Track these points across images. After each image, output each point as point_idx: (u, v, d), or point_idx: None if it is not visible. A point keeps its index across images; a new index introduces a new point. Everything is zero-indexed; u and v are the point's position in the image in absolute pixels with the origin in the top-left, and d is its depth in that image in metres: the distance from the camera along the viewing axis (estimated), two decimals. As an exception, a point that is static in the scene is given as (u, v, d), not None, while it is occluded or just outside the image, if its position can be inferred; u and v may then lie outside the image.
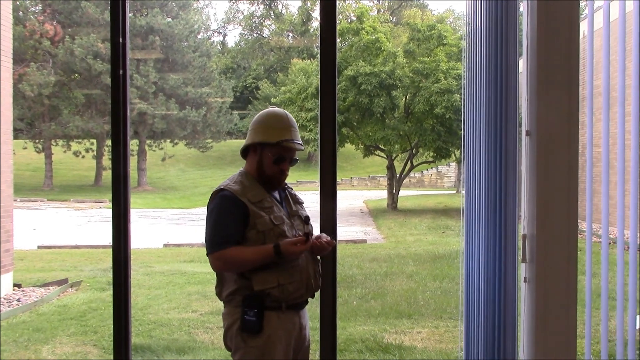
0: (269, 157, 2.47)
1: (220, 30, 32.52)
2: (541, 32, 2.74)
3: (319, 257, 2.59)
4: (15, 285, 7.40)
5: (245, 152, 2.56)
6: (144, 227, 13.46)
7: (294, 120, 2.57)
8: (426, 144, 15.54)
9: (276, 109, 2.59)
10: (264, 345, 2.37)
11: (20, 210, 14.86)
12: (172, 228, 13.77)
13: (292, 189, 2.66)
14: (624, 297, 3.00)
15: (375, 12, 27.83)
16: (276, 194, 2.54)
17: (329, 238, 2.52)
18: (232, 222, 2.37)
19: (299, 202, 2.63)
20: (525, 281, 2.82)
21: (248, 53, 30.89)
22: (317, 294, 2.71)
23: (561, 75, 2.74)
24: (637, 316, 3.23)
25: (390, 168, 16.74)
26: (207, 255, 2.40)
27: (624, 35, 2.89)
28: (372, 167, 22.80)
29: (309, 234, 2.40)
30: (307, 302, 2.56)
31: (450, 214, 15.05)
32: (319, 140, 2.96)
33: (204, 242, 2.42)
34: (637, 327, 3.19)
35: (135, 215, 14.57)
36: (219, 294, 2.50)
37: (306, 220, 2.53)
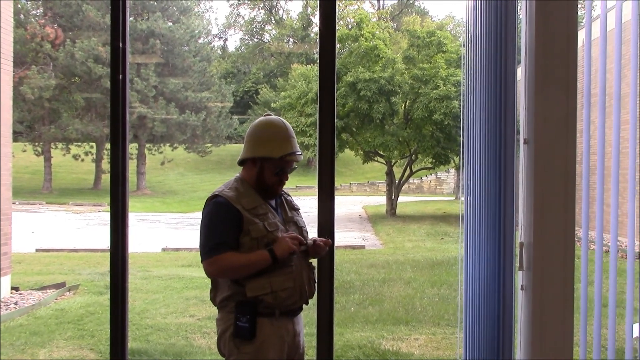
0: (270, 171, 2.45)
1: (221, 35, 32.67)
2: (539, 39, 2.75)
3: (314, 263, 2.59)
4: (12, 288, 7.39)
5: (242, 160, 2.53)
6: (143, 231, 13.45)
7: (291, 128, 2.53)
8: (425, 150, 15.55)
9: (273, 117, 2.53)
10: (256, 351, 2.36)
11: (19, 213, 14.85)
12: (170, 232, 13.76)
13: (288, 195, 2.64)
14: (620, 304, 2.99)
15: (376, 18, 27.90)
16: (272, 201, 2.53)
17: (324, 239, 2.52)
18: (225, 228, 2.36)
19: (294, 209, 2.61)
20: (522, 289, 2.82)
21: (248, 58, 30.96)
22: (314, 300, 2.70)
23: (559, 82, 2.75)
24: (635, 324, 3.23)
25: (390, 174, 16.73)
26: (202, 261, 2.39)
27: (621, 42, 2.89)
28: (371, 173, 22.82)
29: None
30: (301, 308, 2.55)
31: (449, 220, 15.04)
32: (317, 145, 2.96)
33: (199, 248, 2.41)
34: (635, 336, 3.18)
35: (134, 219, 14.56)
36: (213, 299, 2.50)
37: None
